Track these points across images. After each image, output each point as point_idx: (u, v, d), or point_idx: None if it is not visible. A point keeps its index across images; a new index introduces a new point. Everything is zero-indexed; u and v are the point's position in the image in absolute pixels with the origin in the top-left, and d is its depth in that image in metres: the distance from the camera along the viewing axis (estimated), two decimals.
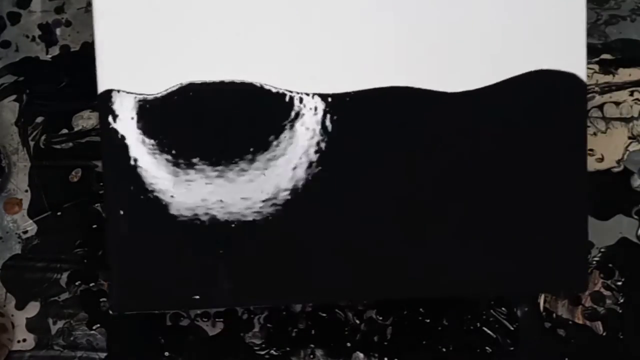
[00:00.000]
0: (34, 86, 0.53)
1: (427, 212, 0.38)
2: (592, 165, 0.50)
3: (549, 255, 0.38)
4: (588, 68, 0.53)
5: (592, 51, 0.53)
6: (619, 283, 0.47)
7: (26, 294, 0.47)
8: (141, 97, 0.39)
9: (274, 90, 0.39)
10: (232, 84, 0.39)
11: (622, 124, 0.51)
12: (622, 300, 0.47)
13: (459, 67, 0.39)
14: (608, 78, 0.53)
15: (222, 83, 0.39)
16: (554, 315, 0.47)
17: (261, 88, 0.39)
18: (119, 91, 0.39)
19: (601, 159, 0.50)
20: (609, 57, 0.53)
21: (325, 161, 0.39)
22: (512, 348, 0.46)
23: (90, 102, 0.52)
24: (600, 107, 0.52)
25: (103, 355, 0.46)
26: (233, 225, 0.38)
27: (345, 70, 0.39)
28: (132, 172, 0.39)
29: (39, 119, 0.52)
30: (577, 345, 0.46)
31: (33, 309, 0.47)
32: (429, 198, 0.38)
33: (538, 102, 0.38)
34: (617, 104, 0.52)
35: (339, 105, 0.39)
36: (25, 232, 0.49)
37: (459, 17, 0.39)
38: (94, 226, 0.49)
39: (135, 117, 0.39)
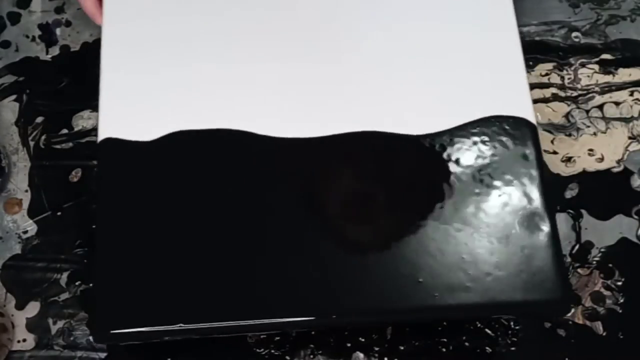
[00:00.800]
0: (34, 86, 0.53)
1: (399, 235, 0.40)
2: (592, 165, 0.50)
3: (524, 279, 0.39)
4: (588, 68, 0.53)
5: (592, 51, 0.53)
6: (619, 283, 0.47)
7: (26, 294, 0.47)
8: (134, 143, 0.41)
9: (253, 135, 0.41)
10: (214, 131, 0.42)
11: (622, 124, 0.51)
12: (622, 300, 0.47)
13: (421, 113, 0.42)
14: (608, 78, 0.53)
15: (204, 131, 0.42)
16: None
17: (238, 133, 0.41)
18: (116, 139, 0.41)
19: (601, 159, 0.50)
20: (609, 57, 0.53)
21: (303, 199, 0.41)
22: (512, 348, 0.46)
23: (90, 102, 0.52)
24: (600, 107, 0.52)
25: (103, 355, 0.46)
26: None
27: (320, 116, 0.42)
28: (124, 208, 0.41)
29: (39, 119, 0.52)
30: (577, 345, 0.46)
31: (33, 309, 0.47)
32: (402, 224, 0.40)
33: (493, 143, 0.42)
34: (617, 104, 0.52)
35: (315, 149, 0.41)
36: (25, 232, 0.49)
37: (418, 70, 0.43)
38: (94, 226, 0.49)
39: (129, 160, 0.41)
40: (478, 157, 0.41)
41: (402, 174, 0.41)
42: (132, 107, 0.42)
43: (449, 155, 0.41)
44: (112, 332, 0.39)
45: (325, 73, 0.43)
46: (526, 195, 0.40)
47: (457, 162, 0.41)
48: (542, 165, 0.41)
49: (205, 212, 0.40)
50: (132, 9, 0.45)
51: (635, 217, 0.49)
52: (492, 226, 0.40)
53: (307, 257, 0.39)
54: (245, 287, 0.39)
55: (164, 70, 0.43)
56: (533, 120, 0.42)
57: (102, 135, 0.41)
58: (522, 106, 0.42)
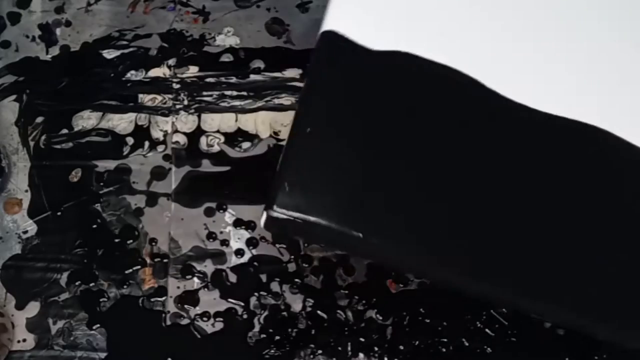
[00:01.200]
0: (34, 86, 0.53)
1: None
2: None
3: None
4: None
5: None
6: None
7: (26, 294, 0.47)
8: (358, 47, 0.38)
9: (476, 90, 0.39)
10: (442, 66, 0.39)
11: None
12: None
13: None
14: None
15: (433, 64, 0.39)
16: None
17: (470, 82, 0.39)
18: (341, 35, 0.39)
19: None
20: None
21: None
22: (512, 348, 0.46)
23: (90, 102, 0.52)
24: None
25: (103, 355, 0.46)
26: None
27: (557, 93, 0.39)
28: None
29: (39, 119, 0.52)
30: (577, 345, 0.46)
31: (33, 309, 0.47)
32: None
33: None
34: None
35: (532, 123, 0.39)
36: (25, 232, 0.49)
37: None
38: (94, 226, 0.49)
39: (346, 61, 0.39)
40: None
41: (600, 181, 0.39)
42: (373, 8, 0.39)
43: None
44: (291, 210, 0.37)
45: (581, 55, 0.40)
46: None
47: None
48: None
49: (398, 142, 0.38)
50: None
51: None
52: None
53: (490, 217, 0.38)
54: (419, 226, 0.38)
55: None
56: None
57: (327, 26, 0.39)
58: None
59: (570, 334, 0.46)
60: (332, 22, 0.39)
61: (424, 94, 0.39)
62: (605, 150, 0.39)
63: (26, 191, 0.50)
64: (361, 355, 0.46)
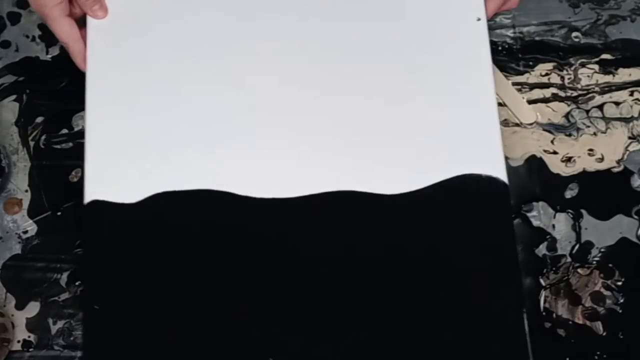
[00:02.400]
0: (34, 86, 0.53)
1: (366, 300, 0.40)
2: (592, 165, 0.50)
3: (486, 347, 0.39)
4: (588, 68, 0.53)
5: (592, 51, 0.53)
6: (619, 283, 0.47)
7: (26, 294, 0.47)
8: (120, 205, 0.41)
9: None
10: (197, 192, 0.41)
11: (622, 124, 0.51)
12: (622, 300, 0.47)
13: (393, 172, 0.41)
14: (608, 78, 0.53)
15: (187, 192, 0.41)
16: (554, 315, 0.47)
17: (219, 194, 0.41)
18: (102, 201, 0.41)
19: (601, 159, 0.50)
20: (609, 57, 0.53)
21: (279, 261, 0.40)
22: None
23: None
24: (600, 107, 0.52)
25: None
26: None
27: (298, 176, 0.42)
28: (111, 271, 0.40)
29: (39, 119, 0.52)
30: (577, 345, 0.46)
31: (33, 309, 0.47)
32: (372, 289, 0.40)
33: (465, 203, 0.41)
34: (617, 104, 0.52)
35: (293, 209, 0.41)
36: (25, 232, 0.49)
37: (385, 128, 0.42)
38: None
39: (115, 222, 0.41)
40: (448, 217, 0.41)
41: (375, 234, 0.41)
42: (118, 168, 0.42)
43: (420, 216, 0.41)
44: None
45: (307, 132, 0.43)
46: (493, 256, 0.40)
47: (426, 222, 0.41)
48: (511, 227, 0.41)
49: (190, 273, 0.40)
50: (116, 64, 0.44)
51: (635, 217, 0.49)
52: (455, 287, 0.39)
53: (290, 318, 0.39)
54: (229, 349, 0.39)
55: (148, 131, 0.43)
56: (505, 179, 0.41)
57: (88, 197, 0.41)
58: (495, 165, 0.41)
59: (571, 334, 0.46)
60: (91, 193, 0.41)
61: (191, 221, 0.41)
62: (362, 206, 0.41)
63: (26, 191, 0.50)
64: None
